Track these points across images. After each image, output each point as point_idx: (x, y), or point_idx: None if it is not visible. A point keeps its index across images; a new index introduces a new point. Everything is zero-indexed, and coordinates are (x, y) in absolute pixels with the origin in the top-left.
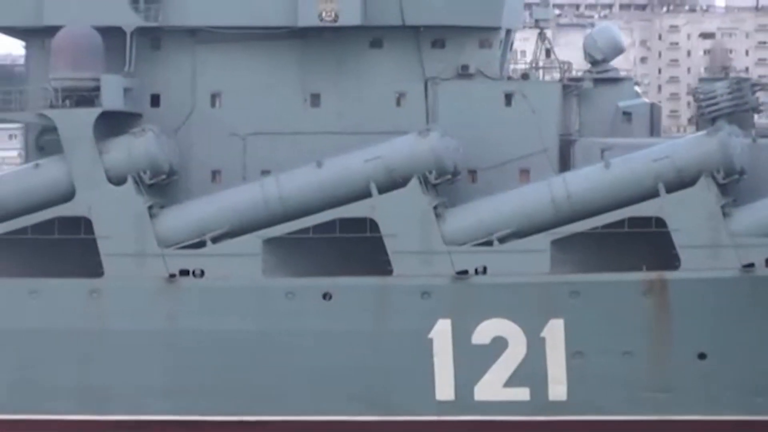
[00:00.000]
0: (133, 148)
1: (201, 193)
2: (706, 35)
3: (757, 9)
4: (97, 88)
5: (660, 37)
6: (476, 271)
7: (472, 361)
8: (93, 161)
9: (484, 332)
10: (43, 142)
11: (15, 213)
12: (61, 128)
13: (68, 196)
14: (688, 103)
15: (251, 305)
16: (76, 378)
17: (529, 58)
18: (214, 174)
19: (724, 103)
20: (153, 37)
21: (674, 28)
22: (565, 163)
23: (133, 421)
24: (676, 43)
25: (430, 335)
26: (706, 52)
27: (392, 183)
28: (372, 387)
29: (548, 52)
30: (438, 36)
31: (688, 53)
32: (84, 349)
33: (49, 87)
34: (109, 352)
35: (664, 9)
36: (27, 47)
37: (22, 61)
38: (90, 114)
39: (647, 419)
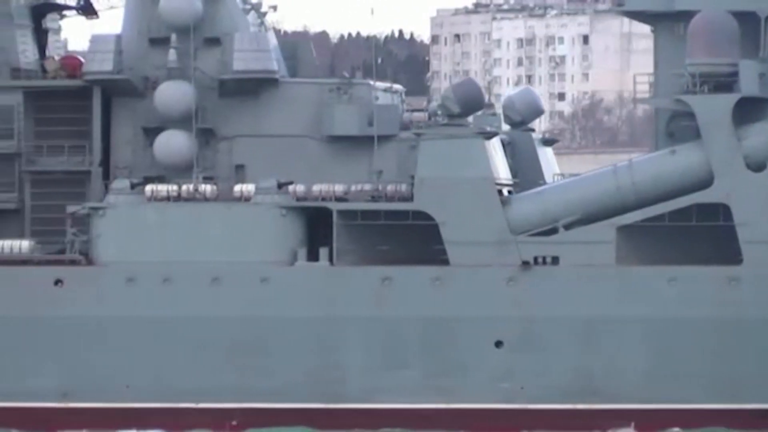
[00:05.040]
0: None
1: None
2: None
3: None
4: (734, 74)
5: None
6: None
7: None
8: (732, 147)
9: None
10: (673, 128)
11: (651, 199)
12: (699, 114)
13: (705, 182)
14: None
15: None
16: (709, 367)
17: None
18: None
19: None
20: None
21: None
22: None
23: None
24: None
25: None
26: None
27: None
28: None
29: None
30: None
31: None
32: (720, 337)
33: (686, 72)
34: (745, 341)
35: None
36: (655, 32)
37: None
38: (729, 100)
39: None
